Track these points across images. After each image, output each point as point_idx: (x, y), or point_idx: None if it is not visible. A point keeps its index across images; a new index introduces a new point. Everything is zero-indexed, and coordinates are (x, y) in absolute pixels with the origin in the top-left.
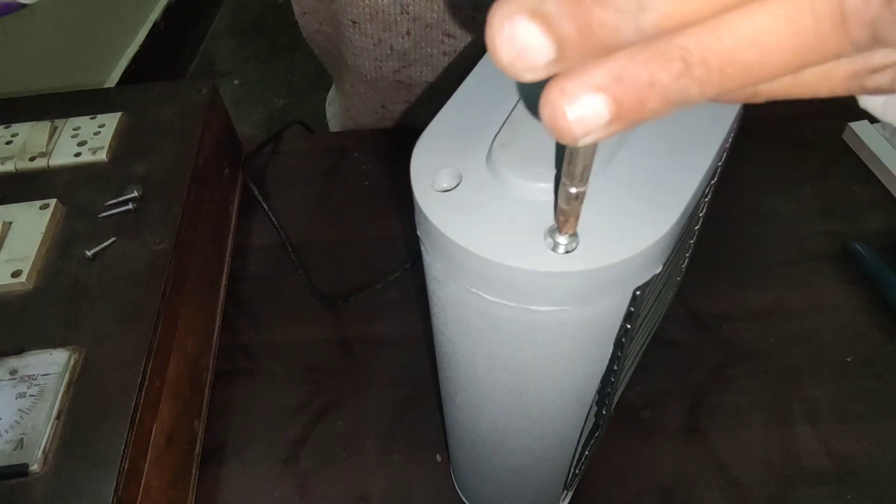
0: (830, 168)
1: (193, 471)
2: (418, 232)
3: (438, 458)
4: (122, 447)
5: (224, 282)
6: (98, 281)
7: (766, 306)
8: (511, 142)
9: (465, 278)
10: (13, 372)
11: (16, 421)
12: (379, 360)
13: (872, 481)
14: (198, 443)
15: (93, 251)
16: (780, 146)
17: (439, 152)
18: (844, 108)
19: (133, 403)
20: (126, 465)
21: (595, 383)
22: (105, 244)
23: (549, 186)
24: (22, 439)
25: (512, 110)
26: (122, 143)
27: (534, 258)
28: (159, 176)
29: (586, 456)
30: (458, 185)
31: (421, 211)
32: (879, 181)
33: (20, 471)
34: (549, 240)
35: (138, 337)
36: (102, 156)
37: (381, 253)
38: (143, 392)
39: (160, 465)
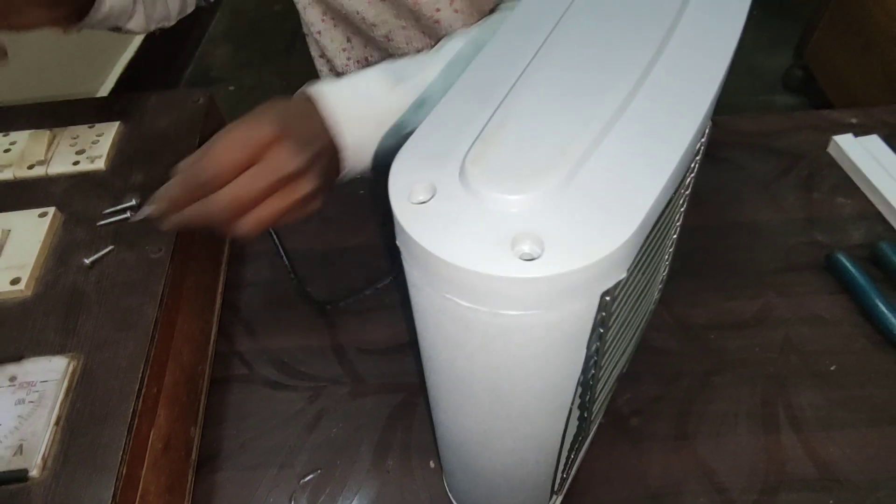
0: (815, 180)
1: (189, 476)
2: (397, 242)
3: (432, 464)
4: (121, 453)
5: (220, 289)
6: (96, 289)
7: (752, 315)
8: (481, 157)
9: (441, 285)
10: (12, 378)
11: (15, 427)
12: (373, 368)
13: (855, 488)
14: (194, 449)
15: (91, 259)
16: (767, 157)
17: (416, 166)
18: (829, 122)
19: (131, 410)
20: (124, 471)
21: (571, 386)
22: (103, 252)
23: (517, 198)
24: (21, 445)
25: (484, 127)
26: (120, 152)
27: (500, 265)
28: (157, 185)
29: (572, 460)
30: (432, 197)
31: (398, 222)
32: (862, 193)
33: (20, 476)
34: (516, 248)
35: (136, 344)
36: (101, 164)
37: (377, 261)
38: (141, 399)
39: (157, 471)
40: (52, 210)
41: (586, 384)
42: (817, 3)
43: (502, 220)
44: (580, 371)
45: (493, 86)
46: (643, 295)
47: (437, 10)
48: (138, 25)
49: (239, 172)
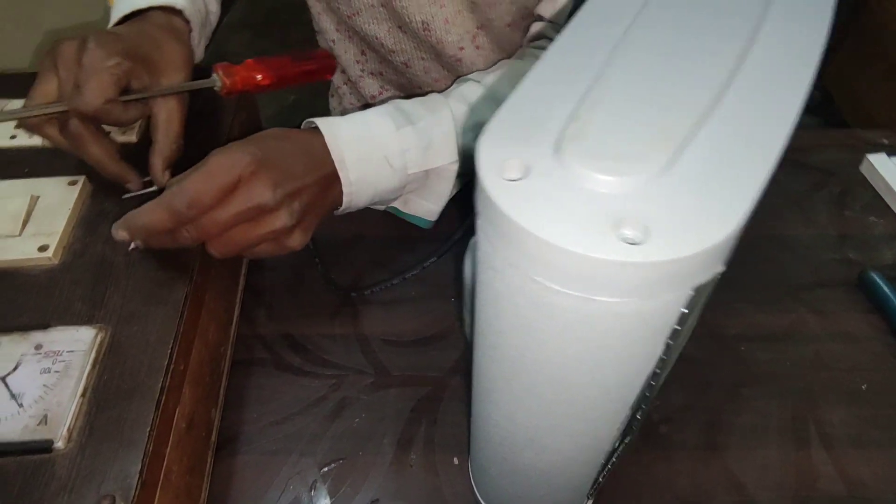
0: (847, 197)
1: (209, 458)
2: (479, 221)
3: (456, 461)
4: (148, 429)
5: (243, 270)
6: (125, 261)
7: (783, 329)
8: (580, 135)
9: (530, 267)
10: (38, 347)
11: (40, 396)
12: (397, 359)
13: None
14: (214, 430)
15: None
16: (800, 172)
17: (506, 142)
18: (860, 141)
19: (159, 386)
20: (150, 448)
21: (640, 383)
22: None
23: (619, 180)
24: (46, 415)
25: (579, 103)
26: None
27: (604, 248)
28: (188, 160)
29: (613, 462)
30: (526, 175)
31: (488, 198)
32: (894, 213)
33: (44, 447)
34: (619, 231)
35: (165, 319)
36: (132, 136)
37: (401, 252)
38: (169, 375)
39: (180, 451)
40: (82, 178)
41: (647, 383)
42: (839, 27)
43: (603, 202)
44: (653, 367)
45: (577, 67)
46: (706, 297)
47: (461, 48)
48: (197, 57)
49: (215, 202)
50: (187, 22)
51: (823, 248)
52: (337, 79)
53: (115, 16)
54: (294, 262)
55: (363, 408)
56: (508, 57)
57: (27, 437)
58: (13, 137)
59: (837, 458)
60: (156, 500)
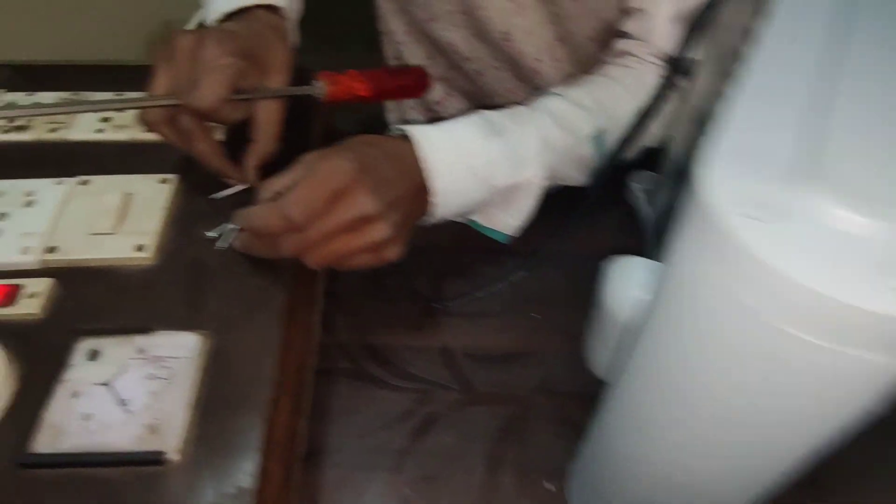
0: None
1: (299, 471)
2: (698, 260)
3: (552, 487)
4: (257, 443)
5: (322, 276)
6: (220, 263)
7: None
8: (824, 169)
9: (775, 313)
10: (140, 351)
11: (148, 403)
12: (483, 375)
13: None
14: (303, 442)
15: (214, 232)
16: None
17: (735, 175)
18: None
19: (265, 397)
20: (260, 461)
21: (840, 435)
22: (228, 228)
23: (877, 223)
24: (155, 424)
25: (808, 132)
26: (238, 127)
27: (879, 300)
28: (274, 163)
29: None
30: (767, 212)
31: (727, 238)
32: None
33: (156, 458)
34: (890, 280)
35: (264, 327)
36: (219, 136)
37: (479, 264)
38: (272, 386)
39: (278, 463)
40: (173, 177)
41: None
42: None
43: (866, 246)
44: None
45: (788, 89)
46: None
47: (538, 60)
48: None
49: (323, 211)
50: (283, 19)
51: None
52: None
53: (218, 11)
54: (372, 269)
55: (450, 424)
56: (585, 72)
57: (139, 447)
58: (99, 131)
59: None
60: None
